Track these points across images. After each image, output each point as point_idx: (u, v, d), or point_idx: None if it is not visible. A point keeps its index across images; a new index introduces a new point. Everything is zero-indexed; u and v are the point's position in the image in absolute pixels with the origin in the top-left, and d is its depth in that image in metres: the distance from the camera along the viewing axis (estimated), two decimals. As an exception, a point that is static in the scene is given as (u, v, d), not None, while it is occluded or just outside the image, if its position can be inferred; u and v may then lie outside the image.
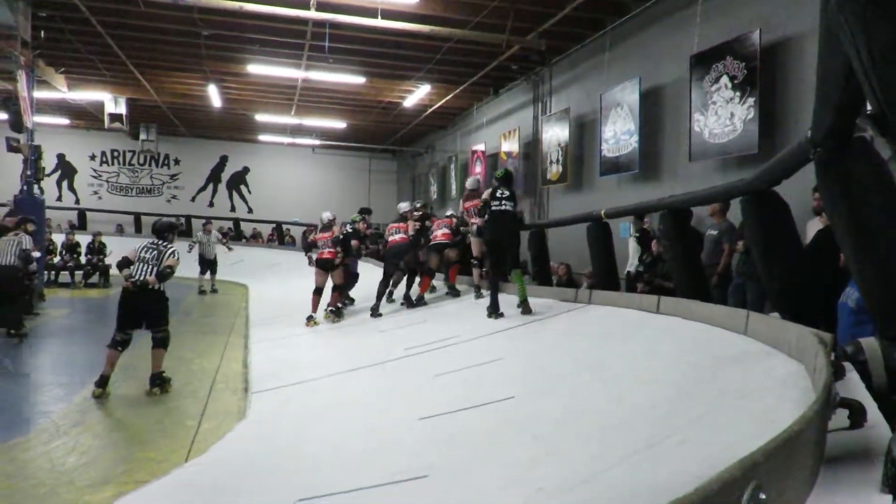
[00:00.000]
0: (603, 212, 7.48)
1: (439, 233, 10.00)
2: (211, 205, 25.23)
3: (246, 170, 25.76)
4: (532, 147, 13.99)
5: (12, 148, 13.37)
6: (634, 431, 2.73)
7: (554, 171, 12.61)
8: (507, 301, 7.67)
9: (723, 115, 8.03)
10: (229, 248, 16.00)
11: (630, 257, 9.31)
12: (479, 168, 16.81)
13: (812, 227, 5.70)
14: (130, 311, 6.68)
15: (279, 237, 23.56)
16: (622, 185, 10.58)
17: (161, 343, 6.68)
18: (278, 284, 16.89)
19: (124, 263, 6.71)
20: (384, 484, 2.89)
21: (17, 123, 13.22)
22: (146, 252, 6.73)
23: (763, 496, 1.17)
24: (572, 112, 12.11)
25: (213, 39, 12.40)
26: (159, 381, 6.52)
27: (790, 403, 2.18)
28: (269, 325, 10.49)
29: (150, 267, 6.63)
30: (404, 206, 10.83)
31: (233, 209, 25.40)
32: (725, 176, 7.92)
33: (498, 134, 15.53)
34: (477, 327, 7.11)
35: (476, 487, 2.65)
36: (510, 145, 14.79)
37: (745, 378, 2.88)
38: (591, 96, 11.48)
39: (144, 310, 6.69)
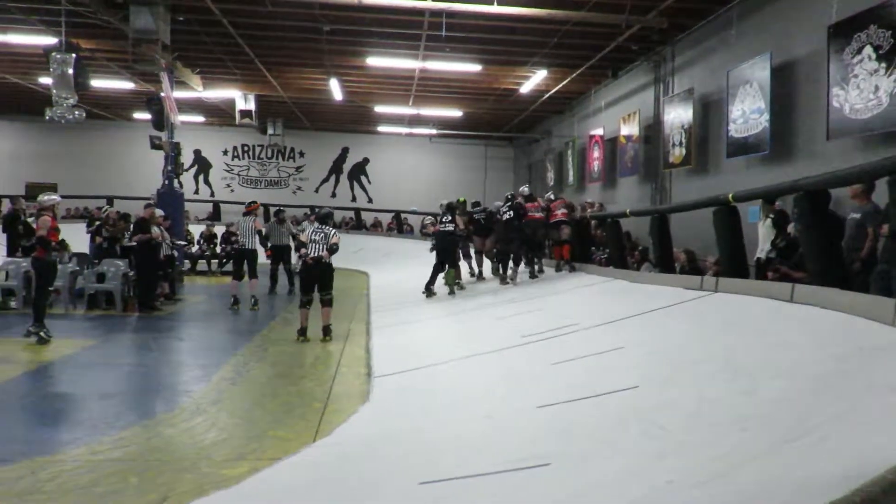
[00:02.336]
0: (731, 195, 7.11)
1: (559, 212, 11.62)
2: (333, 195, 26.13)
3: (366, 160, 26.47)
4: (653, 130, 13.52)
5: (155, 146, 14.38)
6: (770, 426, 2.58)
7: (677, 153, 12.13)
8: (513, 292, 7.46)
9: (865, 89, 7.43)
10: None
11: (760, 243, 8.81)
12: (596, 153, 16.45)
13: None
14: (309, 279, 8.78)
15: (398, 226, 24.05)
16: (751, 167, 10.03)
17: (328, 303, 8.82)
18: (397, 272, 17.28)
19: (300, 245, 8.96)
20: (504, 471, 2.89)
21: (159, 122, 14.22)
22: (315, 234, 8.72)
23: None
24: (696, 92, 11.59)
25: (333, 35, 12.79)
26: (328, 332, 8.74)
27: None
28: (389, 310, 10.75)
29: (321, 246, 8.61)
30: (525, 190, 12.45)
31: (353, 199, 26.19)
32: (867, 154, 7.33)
33: (617, 117, 15.12)
34: (597, 315, 6.96)
35: (599, 477, 2.59)
36: (630, 129, 14.36)
37: None
38: (717, 74, 10.93)
39: (318, 278, 8.72)
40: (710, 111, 11.33)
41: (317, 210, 11.89)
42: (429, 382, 5.82)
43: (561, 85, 16.05)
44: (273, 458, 4.16)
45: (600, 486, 2.47)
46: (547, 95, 17.28)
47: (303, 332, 8.61)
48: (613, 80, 15.35)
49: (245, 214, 12.09)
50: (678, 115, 12.05)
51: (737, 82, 10.03)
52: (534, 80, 15.64)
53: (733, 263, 7.23)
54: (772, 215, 8.64)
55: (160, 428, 4.89)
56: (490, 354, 6.39)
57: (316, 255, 8.56)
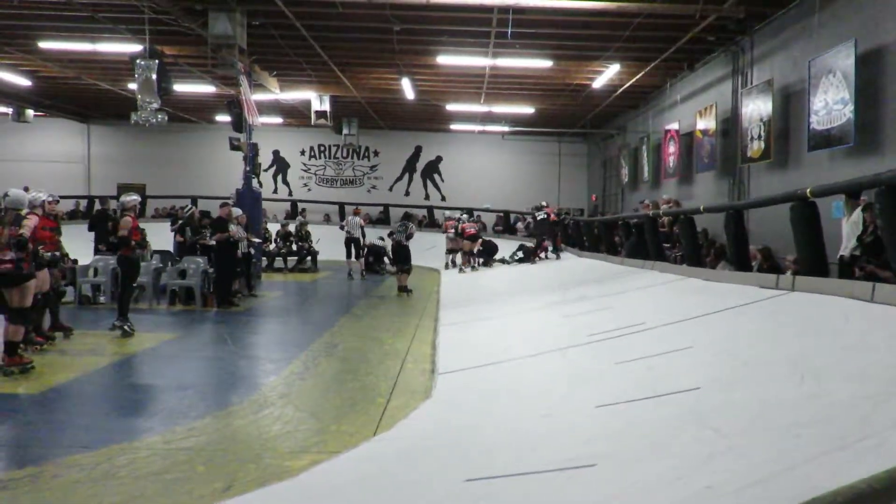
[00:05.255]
0: (809, 190, 6.80)
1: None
2: (407, 194, 26.41)
3: (439, 159, 26.63)
4: (731, 123, 13.08)
5: (234, 147, 14.88)
6: (827, 431, 2.46)
7: (755, 147, 11.69)
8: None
9: (960, 76, 6.97)
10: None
11: (844, 240, 8.39)
12: (672, 148, 16.04)
13: None
14: (397, 256, 13.94)
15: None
16: (834, 161, 9.57)
17: (407, 272, 13.55)
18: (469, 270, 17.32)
19: (389, 234, 14.91)
20: (551, 470, 2.86)
21: (238, 124, 14.71)
22: (398, 227, 14.19)
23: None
24: (776, 83, 11.13)
25: (404, 34, 12.92)
26: (406, 289, 13.23)
27: None
28: (458, 307, 10.80)
29: (403, 235, 13.77)
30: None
31: (427, 197, 26.39)
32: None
33: (693, 111, 14.70)
34: (666, 314, 6.79)
35: (643, 480, 2.53)
36: (706, 122, 13.94)
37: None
38: (798, 64, 10.47)
39: (401, 255, 13.67)
40: (791, 103, 10.87)
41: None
42: (491, 380, 5.82)
43: (635, 79, 15.72)
44: (334, 451, 4.25)
45: (637, 490, 2.42)
46: (621, 90, 16.97)
47: (405, 290, 13.18)
48: (689, 73, 14.94)
49: (354, 215, 17.43)
50: (757, 108, 11.61)
51: (819, 72, 9.59)
52: (607, 74, 15.37)
53: (812, 261, 6.91)
54: (859, 209, 8.21)
55: (230, 419, 5.07)
56: (554, 353, 6.32)
57: (397, 239, 13.84)
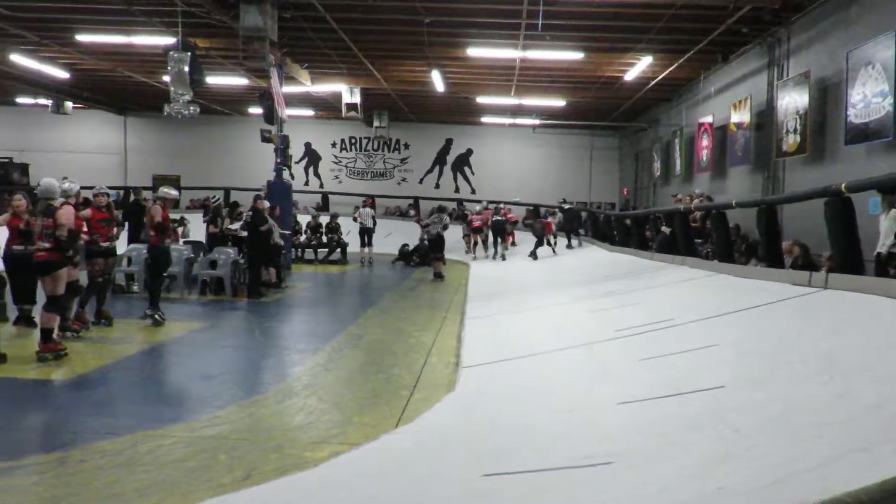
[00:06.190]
0: (844, 185, 6.63)
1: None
2: (437, 186, 26.41)
3: (469, 152, 26.57)
4: (765, 116, 12.81)
5: (265, 139, 15.03)
6: (850, 432, 2.39)
7: (791, 141, 11.44)
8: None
9: None
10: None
11: (881, 237, 8.18)
12: (705, 142, 15.78)
13: None
14: (432, 246, 15.05)
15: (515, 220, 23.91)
16: (872, 155, 9.32)
17: (441, 259, 14.70)
18: (497, 263, 17.30)
19: (425, 226, 15.80)
20: (568, 467, 2.83)
21: (269, 117, 14.84)
22: (433, 219, 15.09)
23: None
24: (813, 75, 10.87)
25: (433, 26, 12.88)
26: (441, 277, 14.31)
27: None
28: (485, 301, 10.77)
29: (439, 226, 14.76)
30: None
31: (457, 190, 26.36)
32: None
33: (727, 104, 14.44)
34: (694, 310, 6.68)
35: (658, 479, 2.49)
36: (740, 116, 13.68)
37: None
38: (836, 56, 10.21)
39: (437, 245, 14.72)
40: (828, 95, 10.61)
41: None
42: (515, 374, 5.79)
43: (668, 71, 15.49)
44: (354, 443, 4.26)
45: (649, 489, 2.38)
46: (653, 83, 16.74)
47: (435, 275, 14.43)
48: (723, 65, 14.66)
49: (364, 206, 19.00)
50: (793, 101, 11.36)
51: (857, 64, 9.34)
52: (639, 66, 15.17)
53: (846, 258, 6.76)
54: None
55: (253, 409, 5.12)
56: (579, 348, 6.27)
57: (435, 232, 14.78)
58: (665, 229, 11.70)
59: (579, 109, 21.39)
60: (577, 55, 14.46)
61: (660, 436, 3.12)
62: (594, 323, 7.42)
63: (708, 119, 15.64)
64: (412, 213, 24.01)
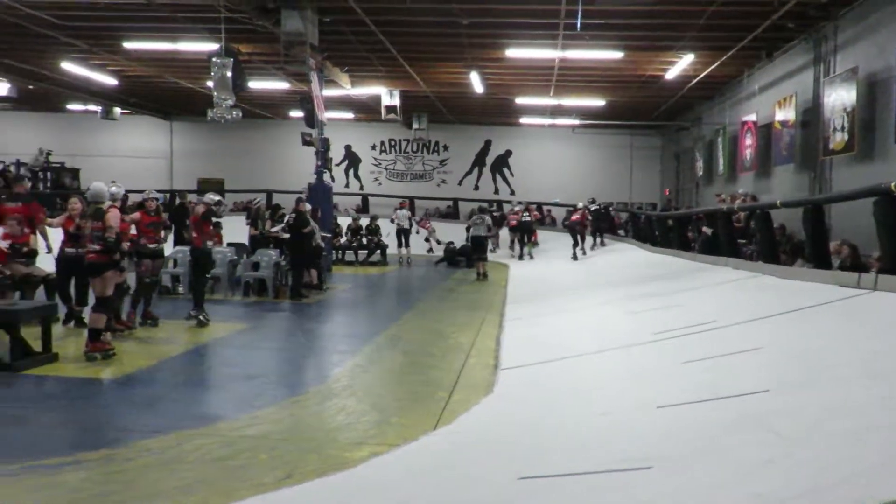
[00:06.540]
0: (893, 184, 6.44)
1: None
2: (476, 188, 26.39)
3: (508, 153, 26.50)
4: (812, 114, 12.52)
5: (306, 142, 15.21)
6: (894, 439, 2.33)
7: (838, 139, 11.16)
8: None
9: None
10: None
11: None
12: (749, 140, 15.49)
13: None
14: (474, 247, 15.19)
15: (540, 218, 23.85)
16: (924, 153, 9.04)
17: (484, 260, 14.83)
18: (536, 263, 17.25)
19: (467, 228, 15.91)
20: (604, 471, 2.81)
21: (310, 120, 15.02)
22: (476, 220, 15.25)
23: None
24: (861, 71, 10.58)
25: (471, 28, 12.90)
26: (485, 276, 14.50)
27: None
28: (524, 302, 10.75)
29: (482, 227, 14.93)
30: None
31: (496, 191, 26.30)
32: None
33: (772, 102, 14.16)
34: (737, 312, 6.57)
35: (695, 485, 2.46)
36: (785, 114, 13.39)
37: None
38: (886, 51, 9.92)
39: (479, 246, 14.94)
40: (877, 92, 10.31)
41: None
42: (553, 376, 5.76)
43: (710, 69, 15.25)
44: (393, 444, 4.29)
45: (686, 495, 2.35)
46: (695, 81, 16.49)
47: (477, 275, 14.58)
48: (768, 62, 14.37)
49: (401, 208, 19.43)
50: (840, 98, 11.07)
51: (908, 59, 9.07)
52: (680, 65, 14.96)
53: (896, 259, 6.55)
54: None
55: (293, 409, 5.19)
56: (618, 350, 6.22)
57: (480, 233, 14.97)
58: (706, 230, 11.51)
59: (619, 109, 21.17)
60: (617, 54, 14.32)
61: (700, 440, 3.08)
62: (634, 325, 7.35)
63: (752, 117, 15.34)
64: (416, 217, 21.83)
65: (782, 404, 3.37)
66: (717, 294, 8.37)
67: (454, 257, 18.47)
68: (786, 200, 9.53)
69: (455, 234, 19.78)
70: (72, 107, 24.10)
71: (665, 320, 7.00)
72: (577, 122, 22.40)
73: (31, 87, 20.05)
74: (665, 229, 15.19)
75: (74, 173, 23.46)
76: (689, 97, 18.97)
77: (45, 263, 8.57)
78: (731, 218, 11.35)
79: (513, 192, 25.98)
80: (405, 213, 19.18)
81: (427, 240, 20.05)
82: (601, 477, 2.77)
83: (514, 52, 14.47)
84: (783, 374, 4.10)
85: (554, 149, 25.69)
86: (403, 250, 18.58)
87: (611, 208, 20.32)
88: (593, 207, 18.05)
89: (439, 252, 19.19)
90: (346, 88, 17.97)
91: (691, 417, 3.57)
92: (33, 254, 8.37)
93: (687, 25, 12.35)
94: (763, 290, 7.73)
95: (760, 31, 12.20)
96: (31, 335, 6.42)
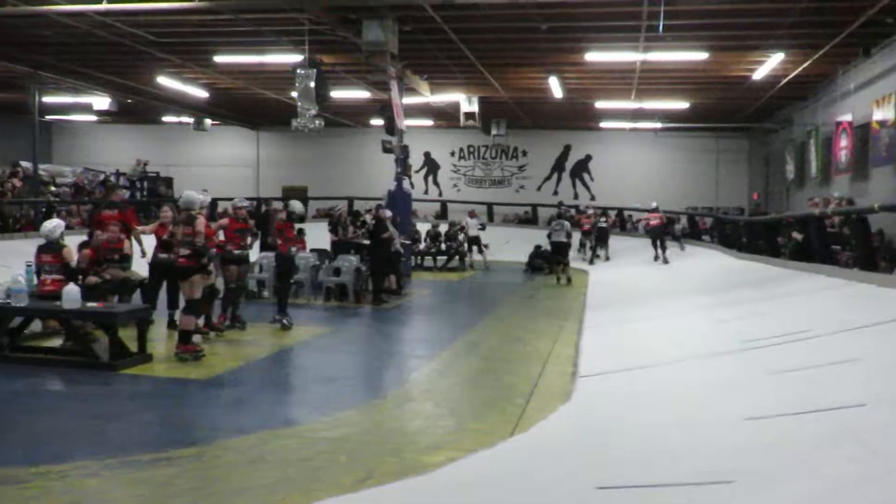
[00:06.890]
0: None
1: None
2: (555, 193, 26.11)
3: (588, 157, 26.14)
4: (914, 113, 11.83)
5: (386, 149, 15.47)
6: None
7: (944, 139, 10.51)
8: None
9: None
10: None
11: None
12: (844, 141, 14.76)
13: None
14: (555, 252, 15.26)
15: (621, 223, 23.44)
16: None
17: (566, 264, 15.04)
18: (617, 270, 16.94)
19: (548, 235, 15.59)
20: (685, 484, 2.73)
21: (390, 128, 15.26)
22: (555, 226, 15.30)
23: None
24: (969, 66, 9.94)
25: (550, 32, 12.81)
26: (569, 280, 14.67)
27: None
28: (604, 309, 10.58)
29: (562, 233, 14.97)
30: None
31: (576, 196, 25.93)
32: None
33: (869, 100, 13.44)
34: (832, 322, 6.26)
35: (783, 501, 2.35)
36: (885, 112, 12.70)
37: None
38: None
39: (562, 251, 15.02)
40: None
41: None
42: (634, 385, 5.64)
43: (801, 68, 14.62)
44: (469, 449, 4.30)
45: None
46: (784, 81, 15.84)
47: (558, 280, 14.87)
48: (865, 59, 13.65)
49: (470, 217, 19.33)
50: (945, 95, 10.43)
51: None
52: (768, 64, 14.41)
53: None
54: None
55: (372, 412, 5.28)
56: (703, 359, 6.03)
57: (559, 239, 15.00)
58: (797, 235, 11.04)
59: (704, 111, 20.56)
60: (701, 55, 13.92)
61: (789, 455, 2.95)
62: (719, 333, 7.12)
63: (847, 117, 14.62)
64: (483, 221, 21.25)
65: (881, 420, 3.19)
66: (810, 302, 8.00)
67: (536, 263, 18.33)
68: (884, 204, 9.03)
69: (535, 240, 19.63)
70: (166, 119, 25.29)
71: (753, 329, 6.74)
72: (659, 125, 21.88)
73: (129, 100, 21.22)
74: (752, 235, 14.66)
75: (168, 182, 24.59)
76: (778, 98, 18.23)
77: (139, 268, 9.02)
78: (824, 223, 10.86)
79: (593, 198, 25.52)
80: (474, 221, 19.25)
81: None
82: (681, 490, 2.69)
83: (594, 56, 14.27)
84: (882, 388, 3.88)
85: (635, 153, 25.17)
86: (478, 256, 18.71)
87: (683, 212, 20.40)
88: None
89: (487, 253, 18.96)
90: (426, 96, 18.16)
91: (780, 431, 3.43)
92: (127, 258, 8.81)
93: (775, 24, 11.88)
94: (860, 298, 7.34)
95: (856, 27, 11.61)
96: (128, 336, 6.76)
